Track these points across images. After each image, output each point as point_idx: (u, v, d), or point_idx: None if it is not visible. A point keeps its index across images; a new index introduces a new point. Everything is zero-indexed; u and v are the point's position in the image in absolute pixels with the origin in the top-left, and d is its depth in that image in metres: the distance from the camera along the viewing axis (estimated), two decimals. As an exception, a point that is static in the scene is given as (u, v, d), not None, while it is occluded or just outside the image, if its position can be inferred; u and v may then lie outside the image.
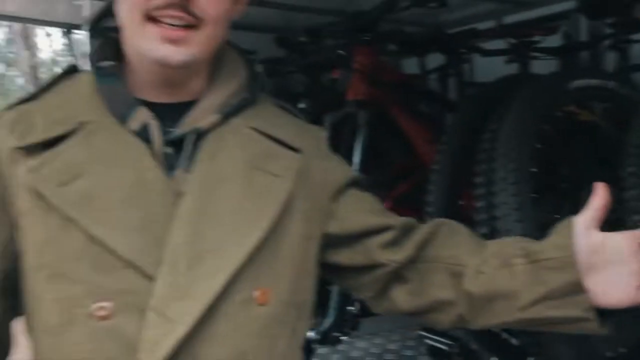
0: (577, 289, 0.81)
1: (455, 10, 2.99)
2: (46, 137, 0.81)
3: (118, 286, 0.77)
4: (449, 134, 1.92)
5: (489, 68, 2.73)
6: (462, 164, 1.85)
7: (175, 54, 0.80)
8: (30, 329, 0.85)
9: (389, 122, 2.39)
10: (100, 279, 0.77)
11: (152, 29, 0.79)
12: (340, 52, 2.24)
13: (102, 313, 0.76)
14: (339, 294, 1.92)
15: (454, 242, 0.93)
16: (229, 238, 0.80)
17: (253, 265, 0.81)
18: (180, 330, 0.75)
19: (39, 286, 0.81)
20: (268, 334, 0.83)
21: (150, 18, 0.80)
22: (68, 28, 4.39)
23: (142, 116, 0.84)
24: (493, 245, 0.93)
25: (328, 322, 1.90)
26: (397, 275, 0.94)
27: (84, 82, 0.88)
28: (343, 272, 0.98)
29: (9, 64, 20.25)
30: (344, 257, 0.95)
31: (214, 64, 0.91)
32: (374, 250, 0.93)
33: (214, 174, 0.83)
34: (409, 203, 2.19)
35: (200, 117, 0.86)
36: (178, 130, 0.84)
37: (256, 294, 0.81)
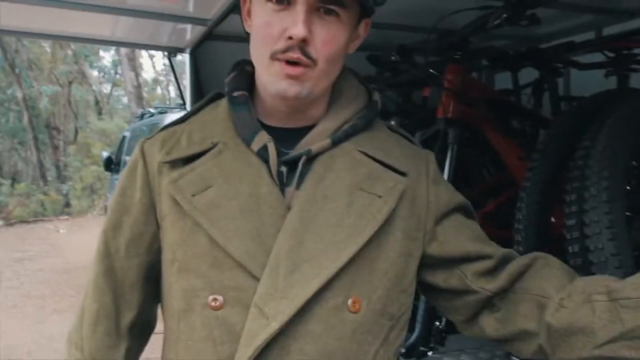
0: None
1: (551, 23, 2.92)
2: (186, 154, 0.98)
3: (229, 283, 0.91)
4: (540, 151, 1.89)
5: (586, 82, 2.66)
6: (554, 181, 1.82)
7: (292, 87, 0.92)
8: (164, 312, 1.03)
9: (479, 139, 2.38)
10: (216, 275, 0.92)
11: (276, 67, 0.92)
12: (432, 71, 2.26)
13: (215, 304, 0.91)
14: (425, 309, 1.93)
15: (546, 275, 0.96)
16: (326, 250, 0.90)
17: (347, 276, 0.90)
18: (273, 326, 0.86)
19: (171, 277, 0.98)
20: (357, 339, 0.91)
21: (276, 58, 0.92)
22: (171, 51, 4.65)
23: (263, 139, 0.96)
24: (581, 281, 0.95)
25: (414, 335, 1.91)
26: (489, 303, 0.99)
27: (222, 108, 1.04)
28: (437, 293, 1.05)
29: (115, 84, 21.56)
30: (439, 278, 1.02)
31: (334, 91, 1.02)
32: (469, 277, 0.99)
33: (320, 192, 0.94)
34: (499, 220, 2.17)
35: (314, 141, 0.97)
36: (292, 152, 0.97)
37: (349, 301, 0.90)
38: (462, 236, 1.01)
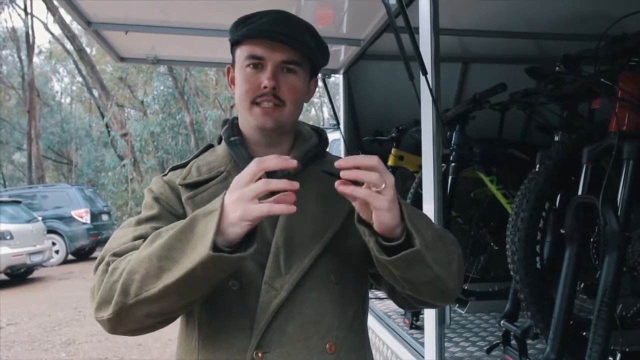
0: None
1: None
2: (199, 179, 1.33)
3: (243, 271, 1.22)
4: None
5: None
6: None
7: (269, 121, 1.28)
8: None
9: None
10: None
11: (257, 109, 1.29)
12: (604, 80, 2.08)
13: (234, 288, 1.22)
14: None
15: None
16: (311, 238, 1.26)
17: (327, 257, 1.26)
18: (283, 295, 1.20)
19: None
20: (340, 303, 1.27)
21: (255, 103, 1.28)
22: (326, 73, 4.76)
23: None
24: None
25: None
26: None
27: (220, 150, 1.40)
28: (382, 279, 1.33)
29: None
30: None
31: (295, 133, 1.39)
32: None
33: (300, 201, 1.20)
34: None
35: None
36: (276, 175, 1.28)
37: (331, 276, 1.26)
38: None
